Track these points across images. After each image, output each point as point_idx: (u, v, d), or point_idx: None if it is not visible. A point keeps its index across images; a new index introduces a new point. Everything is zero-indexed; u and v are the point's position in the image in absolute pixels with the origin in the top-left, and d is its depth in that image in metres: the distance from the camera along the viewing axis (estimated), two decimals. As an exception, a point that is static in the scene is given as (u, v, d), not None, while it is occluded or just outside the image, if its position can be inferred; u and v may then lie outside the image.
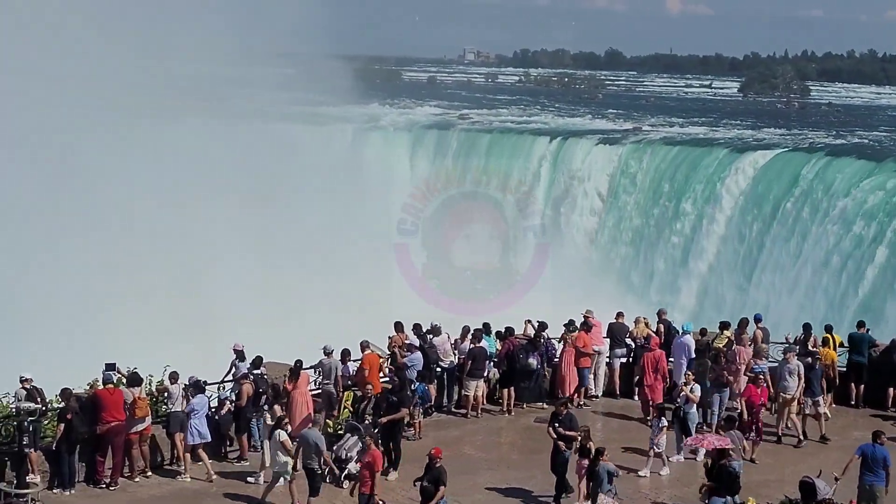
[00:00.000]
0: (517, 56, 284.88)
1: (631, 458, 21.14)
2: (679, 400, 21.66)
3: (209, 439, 20.69)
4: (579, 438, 18.87)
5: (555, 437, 19.31)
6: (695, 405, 21.60)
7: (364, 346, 23.47)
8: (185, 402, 20.51)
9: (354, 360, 23.40)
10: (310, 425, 20.00)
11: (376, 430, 20.28)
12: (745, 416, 21.37)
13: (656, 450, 20.34)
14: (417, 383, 22.83)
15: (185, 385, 20.74)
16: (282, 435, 19.27)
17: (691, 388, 21.45)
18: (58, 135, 50.00)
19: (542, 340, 25.30)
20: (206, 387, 21.09)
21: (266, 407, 21.70)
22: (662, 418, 20.48)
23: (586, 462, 18.44)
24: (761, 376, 22.41)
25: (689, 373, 22.71)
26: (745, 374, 23.40)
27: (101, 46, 54.74)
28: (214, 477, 20.56)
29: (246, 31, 64.75)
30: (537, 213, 60.22)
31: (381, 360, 23.85)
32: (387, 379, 22.58)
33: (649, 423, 20.87)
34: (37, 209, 47.10)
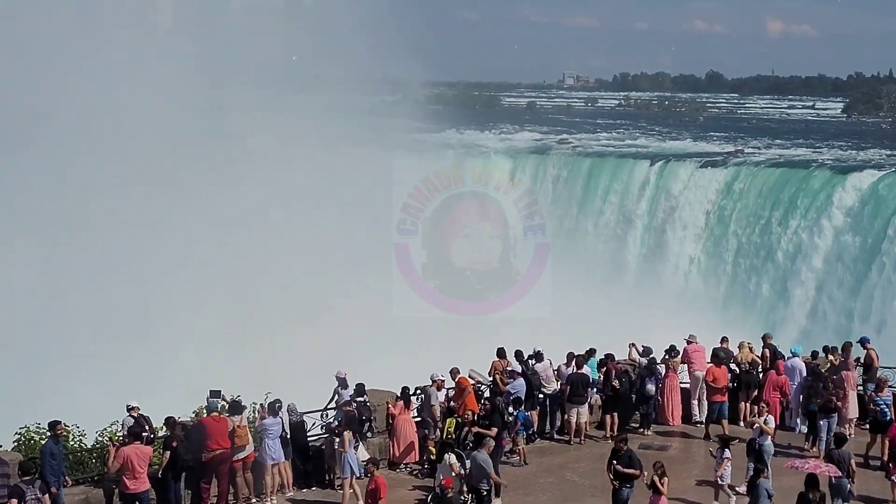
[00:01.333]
0: (617, 80, 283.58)
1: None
2: (753, 431, 21.45)
3: (282, 459, 20.92)
4: (646, 475, 18.54)
5: (611, 476, 19.08)
6: (769, 437, 21.09)
7: (454, 373, 23.57)
8: (282, 428, 20.85)
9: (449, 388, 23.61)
10: (480, 448, 20.16)
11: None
12: (886, 457, 20.73)
13: (720, 482, 19.72)
14: (517, 410, 22.86)
15: (286, 410, 21.06)
16: (451, 458, 19.48)
17: (765, 420, 20.94)
18: (162, 158, 50.91)
19: (657, 365, 25.16)
20: (291, 410, 21.40)
21: (368, 434, 21.92)
22: (726, 450, 19.86)
23: (660, 500, 18.12)
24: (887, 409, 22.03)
25: (763, 404, 22.28)
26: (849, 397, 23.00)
27: (208, 76, 55.52)
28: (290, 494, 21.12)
29: (347, 59, 65.44)
30: (639, 237, 59.94)
31: (482, 384, 23.94)
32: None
33: (713, 454, 20.44)
34: (146, 235, 47.93)
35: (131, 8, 51.87)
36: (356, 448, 20.77)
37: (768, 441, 21.06)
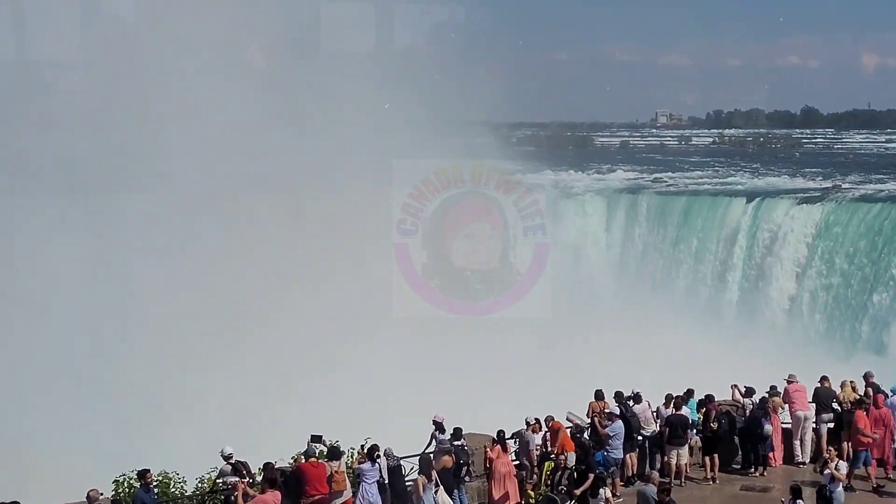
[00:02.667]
0: (710, 117, 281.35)
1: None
2: (824, 478, 20.92)
3: None
4: None
5: None
6: (840, 484, 20.59)
7: (549, 419, 23.55)
8: (379, 473, 20.93)
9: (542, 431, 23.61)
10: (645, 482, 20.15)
11: (572, 501, 20.34)
12: None
13: None
14: (597, 451, 22.80)
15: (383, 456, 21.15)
16: (606, 492, 19.52)
17: (836, 466, 20.57)
18: (257, 198, 51.65)
19: (770, 405, 24.92)
20: (391, 456, 21.45)
21: (467, 479, 21.97)
22: (799, 501, 19.48)
23: None
24: None
25: (832, 448, 21.86)
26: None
27: (298, 119, 56.11)
28: None
29: (437, 102, 65.83)
30: (736, 275, 59.44)
31: (580, 426, 23.89)
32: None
33: (783, 502, 20.00)
34: (250, 285, 48.55)
35: (223, 52, 52.73)
36: (436, 492, 20.76)
37: (839, 488, 20.62)
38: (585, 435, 23.56)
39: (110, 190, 52.24)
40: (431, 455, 21.74)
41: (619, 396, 24.44)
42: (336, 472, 20.18)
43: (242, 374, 44.75)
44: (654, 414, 24.44)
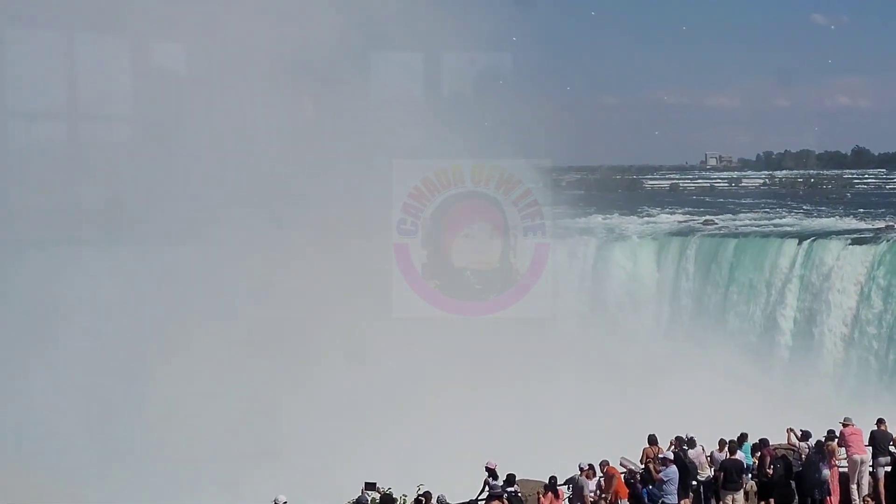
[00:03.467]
0: (760, 159, 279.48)
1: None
2: None
3: None
4: None
5: None
6: None
7: (603, 464, 23.48)
8: None
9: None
10: None
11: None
12: None
13: None
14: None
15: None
16: None
17: None
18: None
19: (826, 448, 24.72)
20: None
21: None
22: None
23: None
24: None
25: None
26: None
27: (350, 164, 56.59)
28: None
29: (487, 148, 65.98)
30: (788, 317, 58.97)
31: (634, 472, 23.79)
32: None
33: None
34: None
35: (273, 102, 53.37)
36: None
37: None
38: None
39: (161, 239, 52.89)
40: (484, 502, 21.72)
41: (674, 441, 24.34)
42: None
43: (309, 417, 45.13)
44: (708, 459, 24.32)
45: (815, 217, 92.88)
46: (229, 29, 54.44)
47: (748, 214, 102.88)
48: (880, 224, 79.32)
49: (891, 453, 25.32)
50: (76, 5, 52.12)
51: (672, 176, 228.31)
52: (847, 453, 25.49)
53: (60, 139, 56.78)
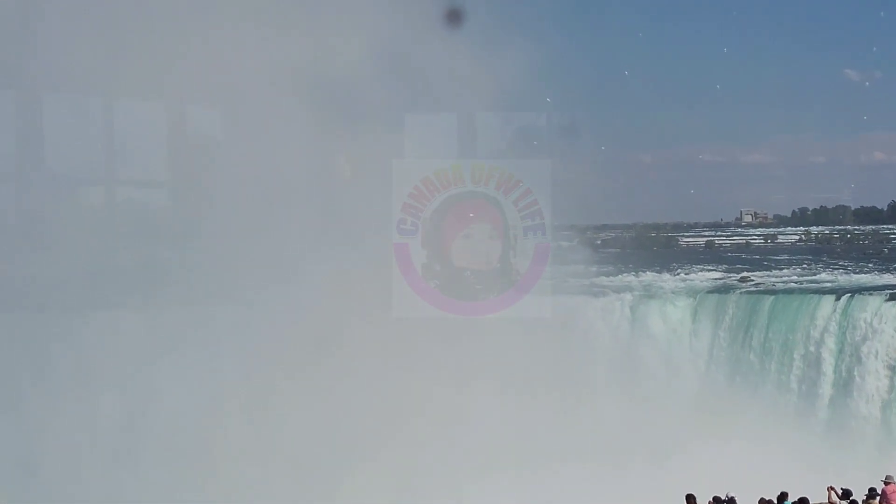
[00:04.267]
0: (796, 215, 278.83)
1: None
2: None
3: None
4: None
5: None
6: None
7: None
8: None
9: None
10: None
11: None
12: None
13: None
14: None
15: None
16: None
17: None
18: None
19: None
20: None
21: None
22: None
23: None
24: None
25: None
26: None
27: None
28: None
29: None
30: (827, 374, 58.65)
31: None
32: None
33: None
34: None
35: (309, 166, 54.00)
36: None
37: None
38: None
39: (198, 302, 53.22)
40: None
41: (718, 501, 24.30)
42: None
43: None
44: (748, 518, 24.22)
45: (853, 273, 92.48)
46: (265, 93, 55.11)
47: (784, 271, 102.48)
48: (919, 278, 79.09)
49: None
50: (114, 72, 52.93)
51: (707, 233, 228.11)
52: (888, 512, 25.33)
53: (98, 203, 57.44)
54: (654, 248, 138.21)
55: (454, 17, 58.00)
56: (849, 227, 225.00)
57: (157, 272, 52.04)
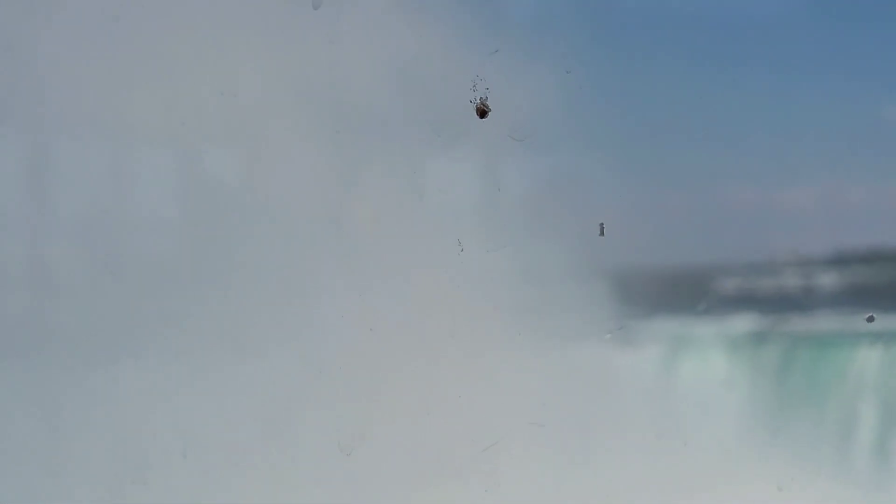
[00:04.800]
0: (835, 257, 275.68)
1: None
2: None
3: None
4: None
5: None
6: None
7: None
8: None
9: None
10: None
11: None
12: None
13: None
14: None
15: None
16: None
17: None
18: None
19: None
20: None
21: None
22: None
23: None
24: None
25: None
26: None
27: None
28: None
29: (549, 251, 64.27)
30: (870, 419, 56.20)
31: None
32: None
33: None
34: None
35: (323, 212, 52.01)
36: None
37: None
38: None
39: (215, 351, 51.26)
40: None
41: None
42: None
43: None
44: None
45: None
46: (282, 131, 53.37)
47: (824, 315, 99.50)
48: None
49: None
50: (125, 117, 51.25)
51: (743, 276, 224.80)
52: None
53: (107, 252, 55.56)
54: (689, 291, 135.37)
55: (481, 114, 55.96)
56: (889, 269, 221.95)
57: (175, 323, 50.00)
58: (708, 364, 51.38)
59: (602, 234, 17.95)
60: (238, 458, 40.54)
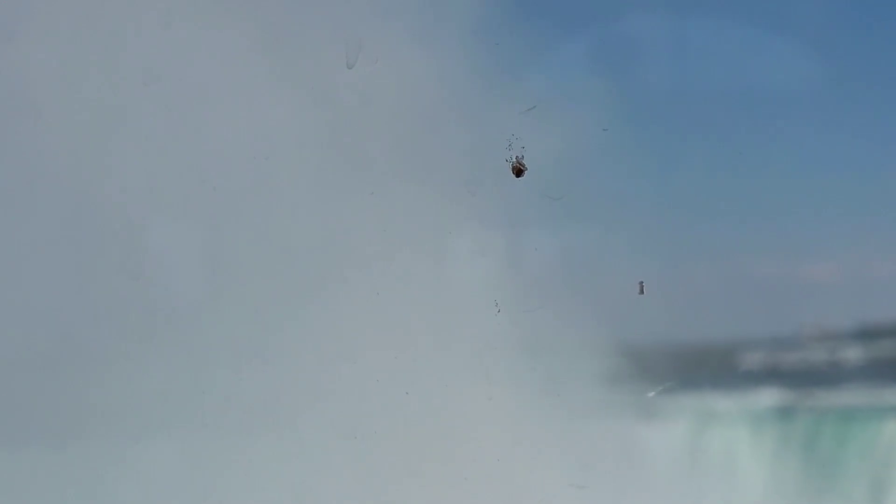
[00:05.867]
0: (860, 330, 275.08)
1: None
2: None
3: None
4: None
5: None
6: None
7: None
8: None
9: None
10: None
11: None
12: None
13: None
14: None
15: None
16: None
17: None
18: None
19: None
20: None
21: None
22: None
23: None
24: None
25: None
26: None
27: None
28: None
29: (570, 325, 64.54)
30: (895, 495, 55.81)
31: None
32: None
33: None
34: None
35: (341, 260, 52.38)
36: None
37: None
38: None
39: (236, 427, 51.41)
40: None
41: None
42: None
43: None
44: None
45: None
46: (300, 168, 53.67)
47: (848, 389, 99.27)
48: None
49: None
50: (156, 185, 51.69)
51: (765, 350, 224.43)
52: None
53: (126, 298, 55.66)
54: (709, 366, 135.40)
55: (517, 173, 56.70)
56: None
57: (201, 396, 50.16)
58: (731, 436, 50.57)
59: (642, 292, 17.76)
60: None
